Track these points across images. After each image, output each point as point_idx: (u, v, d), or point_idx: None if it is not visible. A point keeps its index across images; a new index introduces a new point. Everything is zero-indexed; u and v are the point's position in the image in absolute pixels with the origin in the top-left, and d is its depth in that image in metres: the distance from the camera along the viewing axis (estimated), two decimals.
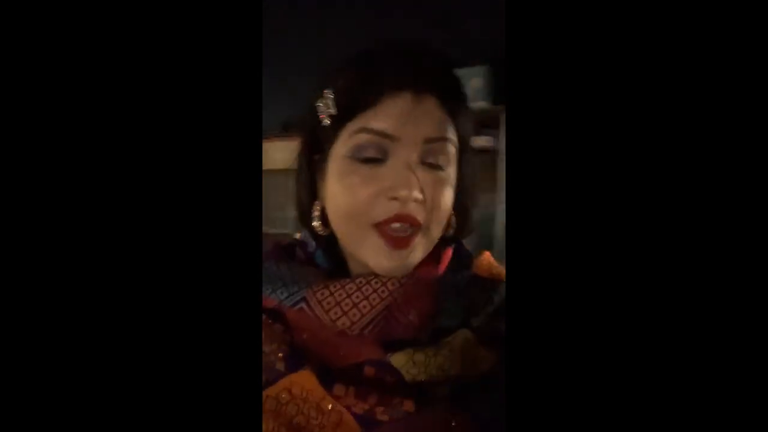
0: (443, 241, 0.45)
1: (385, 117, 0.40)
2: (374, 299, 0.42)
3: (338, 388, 0.40)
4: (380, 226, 0.40)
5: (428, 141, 0.40)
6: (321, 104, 0.43)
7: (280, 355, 0.42)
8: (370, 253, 0.41)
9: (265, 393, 0.41)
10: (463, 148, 0.44)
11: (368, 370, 0.41)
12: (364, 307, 0.42)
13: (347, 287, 0.42)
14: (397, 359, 0.41)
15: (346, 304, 0.42)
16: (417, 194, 0.39)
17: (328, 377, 0.41)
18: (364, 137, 0.40)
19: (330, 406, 0.40)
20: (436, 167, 0.41)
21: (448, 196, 0.42)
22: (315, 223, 0.45)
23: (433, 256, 0.45)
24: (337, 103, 0.41)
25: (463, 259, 0.49)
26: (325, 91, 0.43)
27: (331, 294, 0.42)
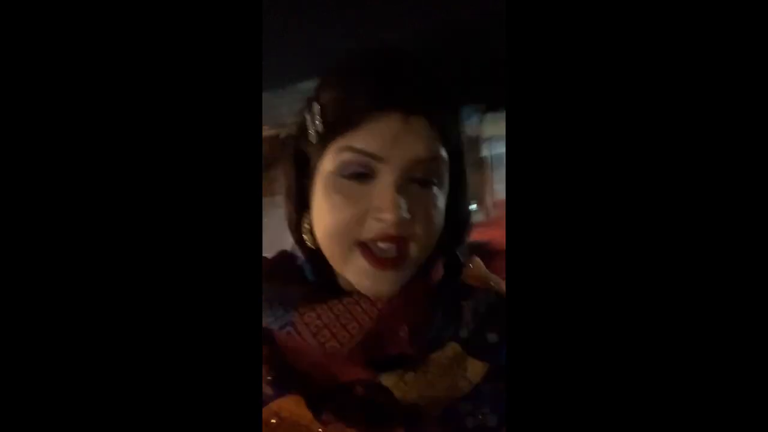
0: (434, 255, 0.44)
1: (372, 137, 0.38)
2: (363, 319, 0.41)
3: (327, 413, 0.40)
4: (365, 245, 0.39)
5: (417, 161, 0.39)
6: (308, 117, 0.41)
7: (269, 378, 0.42)
8: (356, 275, 0.40)
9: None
10: (455, 163, 0.43)
11: (358, 391, 0.40)
12: (353, 328, 0.41)
13: (335, 309, 0.42)
14: (388, 379, 0.40)
15: (335, 326, 0.42)
16: (404, 215, 0.38)
17: (317, 401, 0.40)
18: (349, 156, 0.39)
19: (320, 431, 0.39)
20: (425, 184, 0.40)
21: (438, 213, 0.41)
22: (305, 236, 0.44)
23: (424, 270, 0.44)
24: (324, 118, 0.40)
25: (454, 269, 0.48)
26: (313, 104, 0.41)
27: (319, 317, 0.42)
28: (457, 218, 0.45)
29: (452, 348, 0.43)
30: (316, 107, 0.41)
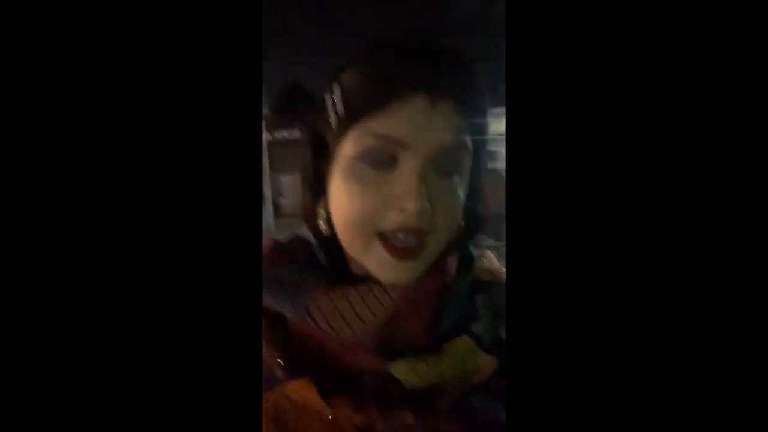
0: (451, 246, 0.44)
1: (397, 122, 0.37)
2: (377, 308, 0.41)
3: (337, 399, 0.39)
4: (385, 235, 0.38)
5: (441, 149, 0.38)
6: (328, 100, 0.40)
7: (280, 361, 0.41)
8: (374, 264, 0.40)
9: (264, 396, 0.40)
10: (478, 153, 0.42)
11: (369, 380, 0.40)
12: (367, 317, 0.41)
13: (350, 296, 0.41)
14: (398, 369, 0.40)
15: (349, 314, 0.41)
16: (425, 204, 0.37)
17: (327, 387, 0.40)
18: (372, 141, 0.37)
19: (330, 416, 0.39)
20: (447, 174, 0.39)
21: (458, 205, 0.40)
22: (320, 222, 0.43)
23: (439, 263, 0.43)
24: (345, 101, 0.38)
25: (467, 263, 0.48)
26: (334, 86, 0.40)
27: (333, 303, 0.41)
28: (473, 210, 0.44)
29: (464, 341, 0.43)
30: (338, 90, 0.39)
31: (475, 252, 0.49)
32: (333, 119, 0.39)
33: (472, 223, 0.45)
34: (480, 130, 0.41)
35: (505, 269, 0.49)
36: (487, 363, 0.42)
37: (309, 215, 0.44)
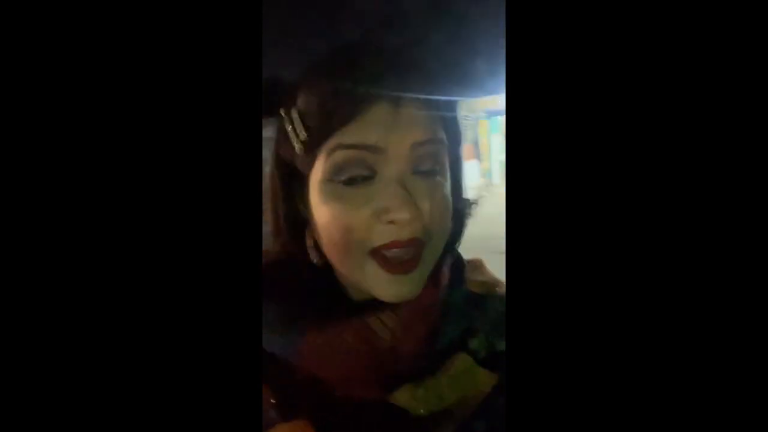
0: (443, 252, 0.41)
1: (364, 128, 0.35)
2: (375, 340, 0.38)
3: (339, 424, 0.37)
4: (378, 252, 0.36)
5: (416, 146, 0.36)
6: (289, 128, 0.38)
7: (273, 401, 0.38)
8: (372, 283, 0.37)
9: None
10: (454, 149, 0.40)
11: (369, 412, 0.38)
12: (365, 349, 0.38)
13: (345, 333, 0.39)
14: (399, 397, 0.38)
15: (346, 350, 0.38)
16: (415, 211, 0.35)
17: (325, 425, 0.37)
18: (343, 155, 0.35)
19: None
20: (429, 174, 0.37)
21: (446, 203, 0.38)
22: (310, 253, 0.40)
23: (432, 275, 0.41)
24: (306, 124, 0.37)
25: (458, 273, 0.45)
26: (291, 111, 0.38)
27: (328, 341, 0.39)
28: (459, 211, 0.42)
29: (462, 359, 0.41)
30: (295, 114, 0.38)
31: (465, 260, 0.47)
32: (297, 145, 0.38)
33: (459, 223, 0.43)
34: (451, 123, 0.40)
35: (497, 278, 0.47)
36: (485, 379, 0.41)
37: (295, 250, 0.41)
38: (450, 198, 0.39)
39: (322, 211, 0.37)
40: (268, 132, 0.42)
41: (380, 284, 0.37)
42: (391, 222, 0.35)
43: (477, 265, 0.48)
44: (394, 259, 0.36)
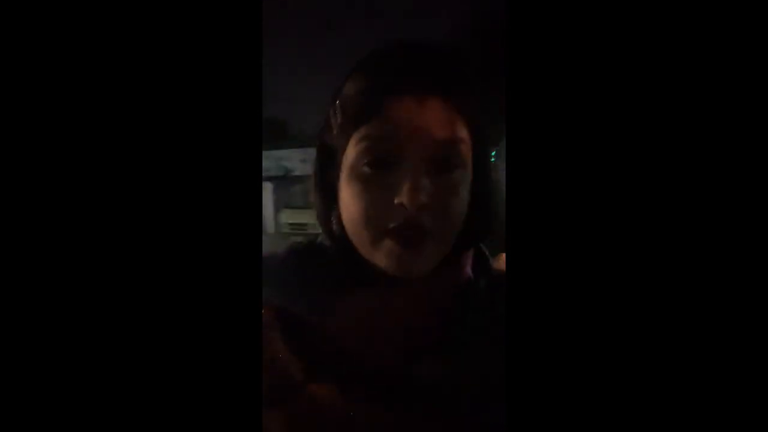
0: (463, 244, 0.44)
1: (388, 123, 0.39)
2: (397, 308, 0.42)
3: (359, 401, 0.40)
4: (392, 231, 0.40)
5: (437, 143, 0.39)
6: (331, 112, 0.43)
7: (301, 364, 0.42)
8: (384, 257, 0.40)
9: (285, 408, 0.41)
10: (479, 147, 0.43)
11: (391, 378, 0.41)
12: (386, 317, 0.42)
13: (367, 297, 0.42)
14: (420, 367, 0.41)
15: (367, 315, 0.42)
16: (421, 200, 0.38)
17: (349, 388, 0.41)
18: (368, 145, 0.39)
19: (352, 413, 0.40)
20: (447, 170, 0.40)
21: (460, 200, 0.41)
22: (333, 227, 0.44)
23: (452, 260, 0.44)
24: (342, 111, 0.41)
25: (483, 263, 0.48)
26: (335, 102, 0.43)
27: (351, 306, 0.43)
28: (483, 208, 0.44)
29: (482, 339, 0.42)
30: (337, 101, 0.42)
31: (489, 253, 0.49)
32: (336, 129, 0.42)
33: (483, 220, 0.45)
34: (476, 121, 0.42)
35: None
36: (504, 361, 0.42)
37: (324, 221, 0.46)
38: (467, 195, 0.41)
39: (347, 190, 0.41)
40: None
41: (390, 257, 0.40)
42: (400, 205, 0.38)
43: (501, 258, 0.51)
44: (403, 236, 0.39)
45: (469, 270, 0.46)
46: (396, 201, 0.38)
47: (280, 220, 2.57)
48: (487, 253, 0.49)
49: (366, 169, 0.40)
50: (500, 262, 0.49)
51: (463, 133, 0.40)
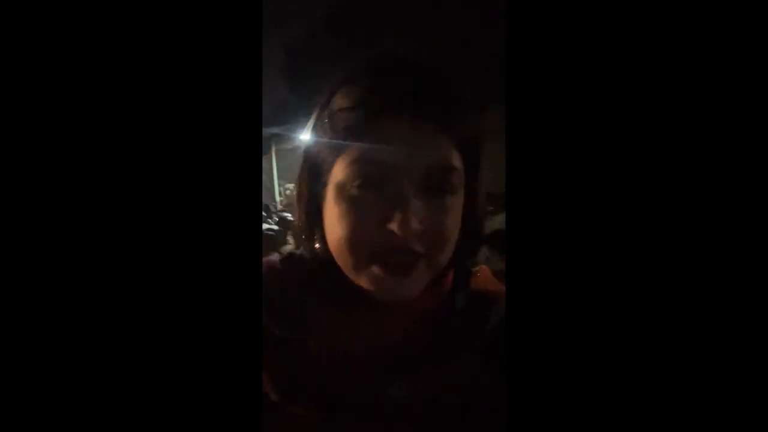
0: (447, 265, 0.43)
1: (381, 145, 0.37)
2: (378, 328, 0.41)
3: (339, 422, 0.40)
4: (379, 255, 0.39)
5: (428, 169, 0.38)
6: (320, 126, 0.41)
7: (279, 385, 0.42)
8: (370, 282, 0.40)
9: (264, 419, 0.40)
10: (471, 173, 0.42)
11: (371, 399, 0.41)
12: (367, 336, 0.41)
13: (349, 316, 0.42)
14: (401, 387, 0.41)
15: (349, 335, 0.42)
16: (412, 226, 0.37)
17: (328, 409, 0.40)
18: (359, 166, 0.38)
19: None
20: (438, 194, 0.39)
21: (451, 224, 0.40)
22: (317, 246, 0.43)
23: (436, 281, 0.43)
24: (333, 127, 0.39)
25: (462, 278, 0.48)
26: (325, 112, 0.41)
27: (332, 325, 0.42)
28: (471, 229, 0.44)
29: (464, 355, 0.43)
30: (328, 115, 0.40)
31: (470, 267, 0.49)
32: (324, 144, 0.40)
33: (470, 241, 0.45)
34: (471, 149, 0.41)
35: (500, 285, 0.49)
36: (487, 376, 0.42)
37: (306, 237, 0.44)
38: (458, 218, 0.41)
39: (333, 209, 0.39)
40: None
41: (377, 284, 0.39)
42: (390, 230, 0.37)
43: (481, 271, 0.49)
44: (392, 263, 0.38)
45: (450, 286, 0.46)
46: (388, 226, 0.37)
47: None
48: (468, 267, 0.49)
49: (356, 190, 0.38)
50: (480, 275, 0.49)
51: (456, 161, 0.39)
